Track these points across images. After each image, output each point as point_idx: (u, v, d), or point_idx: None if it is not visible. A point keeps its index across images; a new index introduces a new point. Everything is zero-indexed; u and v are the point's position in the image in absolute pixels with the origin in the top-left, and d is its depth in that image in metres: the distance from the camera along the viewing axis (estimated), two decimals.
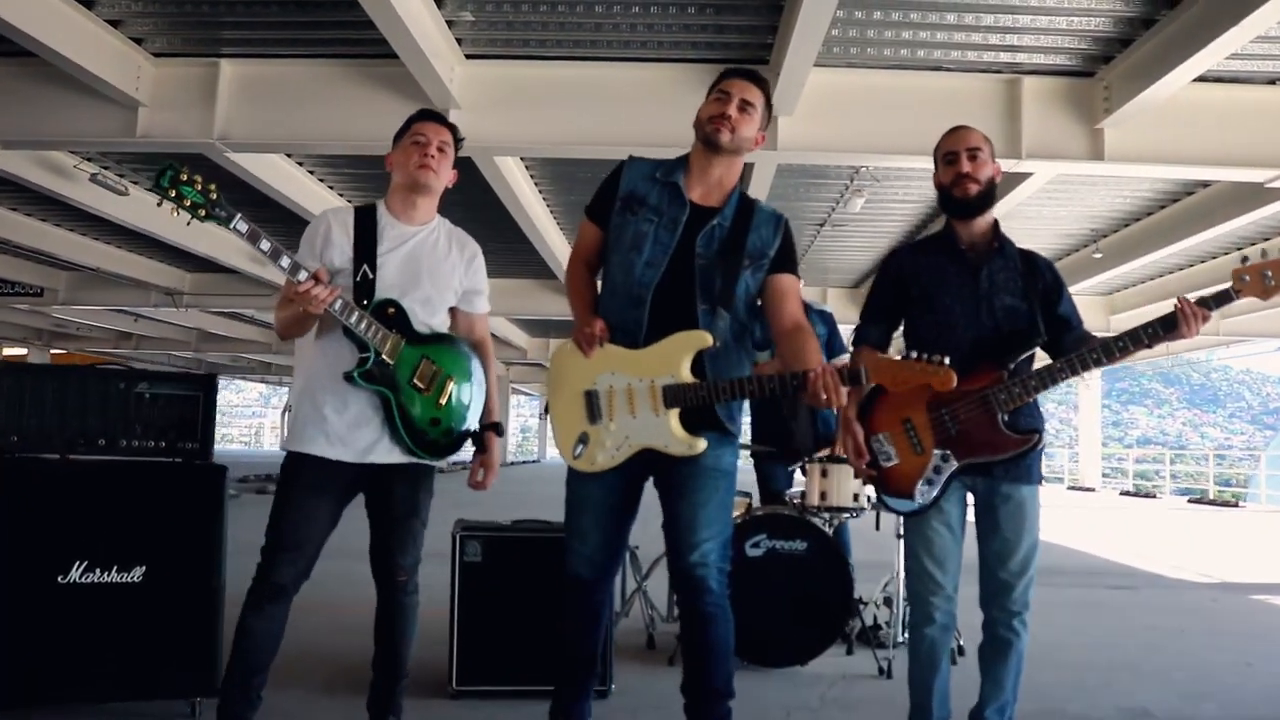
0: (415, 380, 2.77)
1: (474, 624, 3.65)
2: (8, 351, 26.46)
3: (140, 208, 11.21)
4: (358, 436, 2.74)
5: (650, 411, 2.65)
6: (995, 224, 2.97)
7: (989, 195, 2.91)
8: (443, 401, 2.82)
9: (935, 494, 2.82)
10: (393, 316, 2.75)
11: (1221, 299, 2.69)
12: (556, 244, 12.58)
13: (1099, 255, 12.63)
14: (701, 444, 2.64)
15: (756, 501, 4.82)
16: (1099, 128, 7.29)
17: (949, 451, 2.81)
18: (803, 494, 4.49)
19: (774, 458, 4.90)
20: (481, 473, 2.98)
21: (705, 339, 2.64)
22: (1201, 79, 6.66)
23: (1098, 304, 17.19)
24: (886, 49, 7.04)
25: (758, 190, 9.25)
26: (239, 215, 2.48)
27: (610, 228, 2.82)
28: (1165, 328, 2.67)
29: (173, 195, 2.42)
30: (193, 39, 7.22)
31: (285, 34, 7.10)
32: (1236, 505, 20.24)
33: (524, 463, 38.25)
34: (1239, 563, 9.76)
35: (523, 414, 53.68)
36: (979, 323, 2.85)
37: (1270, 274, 2.65)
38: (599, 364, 2.70)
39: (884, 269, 3.12)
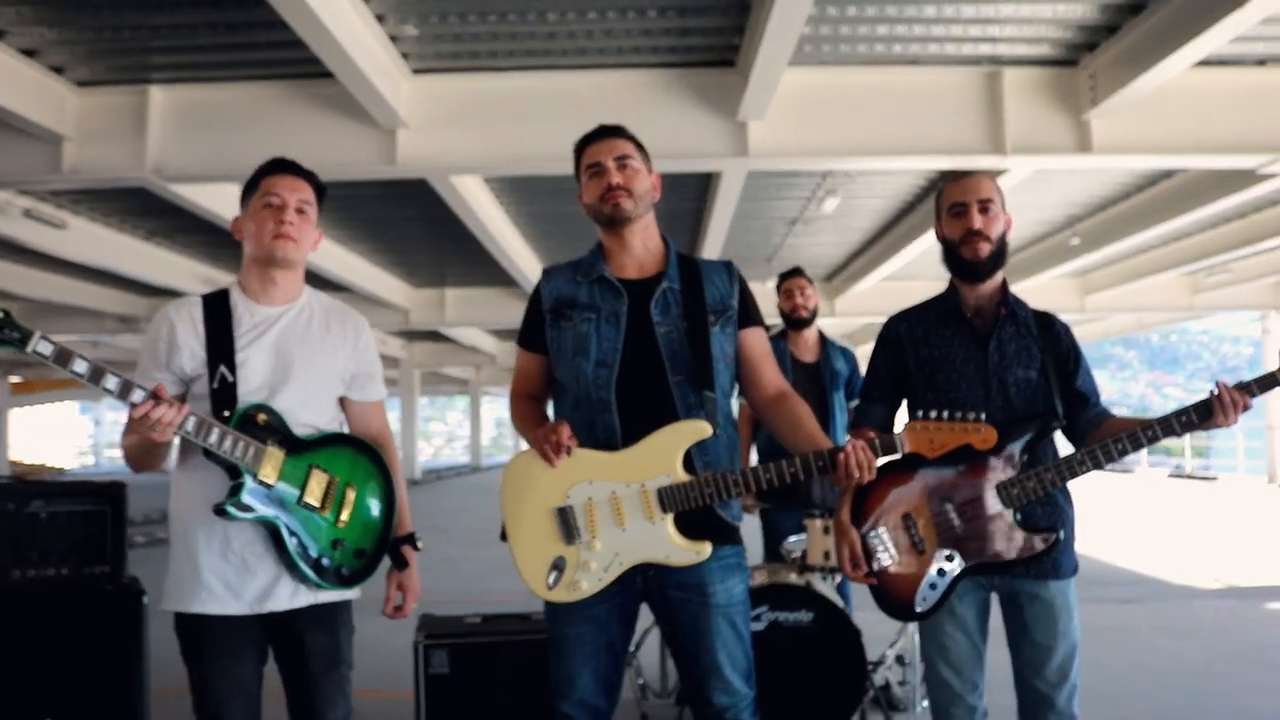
0: (305, 499, 2.28)
1: None
2: None
3: (82, 239, 10.70)
4: (248, 583, 2.26)
5: (644, 520, 2.27)
6: (1004, 284, 2.64)
7: (1001, 255, 2.59)
8: (345, 518, 2.33)
9: (939, 599, 2.49)
10: (265, 425, 2.25)
11: (1267, 383, 2.39)
12: (521, 255, 12.15)
13: (1077, 242, 12.31)
14: (707, 548, 2.29)
15: (758, 548, 4.41)
16: (1085, 119, 6.93)
17: (954, 551, 2.47)
18: (804, 552, 4.08)
19: (782, 505, 4.49)
20: (400, 596, 2.50)
21: (704, 429, 2.28)
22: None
23: (1072, 285, 16.92)
24: (860, 44, 6.63)
25: (727, 198, 8.84)
26: (36, 335, 1.97)
27: (549, 346, 2.47)
28: (1200, 416, 2.40)
29: None
30: (117, 65, 6.71)
31: (219, 55, 6.61)
32: (1214, 479, 20.10)
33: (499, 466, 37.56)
34: (1239, 556, 9.54)
35: (495, 406, 52.96)
36: (989, 403, 2.50)
37: None
38: (570, 474, 2.30)
39: (882, 339, 2.75)
